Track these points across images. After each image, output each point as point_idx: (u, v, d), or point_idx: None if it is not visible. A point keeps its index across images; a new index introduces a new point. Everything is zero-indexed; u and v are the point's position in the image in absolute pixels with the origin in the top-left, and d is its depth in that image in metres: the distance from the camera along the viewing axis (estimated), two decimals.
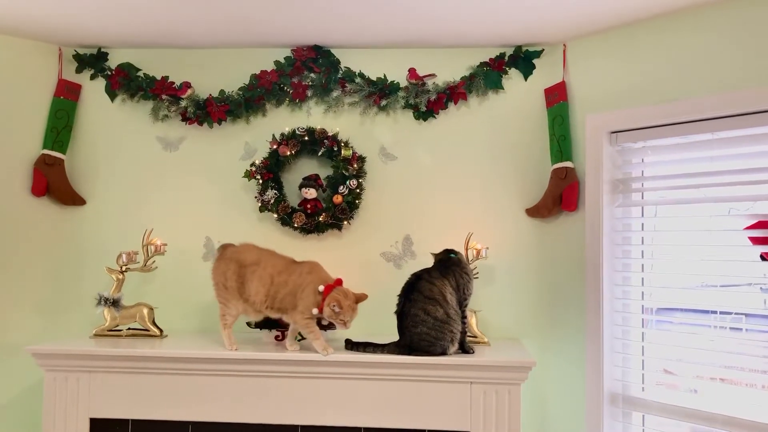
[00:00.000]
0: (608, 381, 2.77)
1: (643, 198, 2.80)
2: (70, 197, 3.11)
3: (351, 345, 2.60)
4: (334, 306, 2.46)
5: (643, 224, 2.81)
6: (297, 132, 3.03)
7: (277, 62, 3.11)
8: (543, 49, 3.03)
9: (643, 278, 2.79)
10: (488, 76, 3.04)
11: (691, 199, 2.64)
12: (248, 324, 2.83)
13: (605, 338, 2.77)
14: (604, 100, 2.82)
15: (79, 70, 3.18)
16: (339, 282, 2.56)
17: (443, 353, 2.49)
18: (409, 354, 2.49)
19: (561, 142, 2.91)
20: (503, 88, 3.06)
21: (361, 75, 3.08)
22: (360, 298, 2.53)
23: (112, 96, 3.17)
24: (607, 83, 2.81)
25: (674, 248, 2.71)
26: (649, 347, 2.74)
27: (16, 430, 2.98)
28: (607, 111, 2.80)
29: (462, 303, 2.57)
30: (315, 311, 2.49)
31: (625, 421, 2.76)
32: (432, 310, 2.48)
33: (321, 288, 2.51)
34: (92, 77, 3.18)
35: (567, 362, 2.91)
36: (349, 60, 3.11)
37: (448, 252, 2.66)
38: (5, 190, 3.01)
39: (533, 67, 3.05)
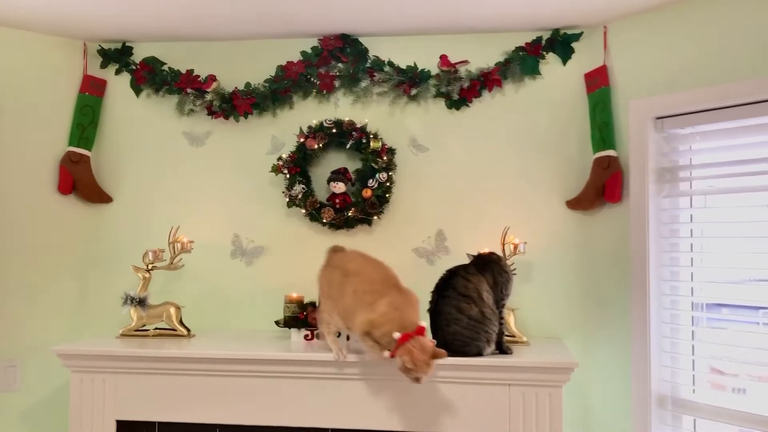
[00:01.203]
0: (656, 382, 2.61)
1: (691, 187, 2.63)
2: (96, 195, 3.07)
3: None
4: (406, 360, 2.17)
5: (691, 215, 2.64)
6: (324, 124, 2.93)
7: (303, 53, 3.01)
8: (582, 32, 2.87)
9: (692, 273, 2.62)
10: (524, 61, 2.90)
11: (743, 188, 2.46)
12: (276, 323, 2.75)
13: (652, 337, 2.61)
14: (648, 84, 2.65)
15: (104, 66, 3.13)
16: (420, 331, 2.21)
17: (479, 354, 2.36)
18: None
19: (603, 129, 2.75)
20: (540, 74, 2.92)
21: (391, 63, 2.97)
22: (438, 354, 2.17)
23: (138, 91, 3.12)
24: (652, 66, 2.64)
25: (725, 241, 2.54)
26: (700, 346, 2.57)
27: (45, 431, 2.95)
28: (651, 95, 2.63)
29: (499, 302, 2.44)
30: (386, 354, 2.22)
31: (675, 424, 2.60)
32: (466, 308, 2.36)
33: (396, 335, 2.18)
34: (117, 72, 3.13)
35: (611, 363, 2.76)
36: (377, 48, 3.00)
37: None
38: (32, 188, 2.97)
39: (572, 51, 2.89)
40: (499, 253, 2.69)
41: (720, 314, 2.55)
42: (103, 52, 3.12)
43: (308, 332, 2.68)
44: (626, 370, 2.68)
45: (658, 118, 2.64)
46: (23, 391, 2.92)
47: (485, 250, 2.71)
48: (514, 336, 2.66)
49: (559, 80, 2.91)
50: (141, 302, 2.76)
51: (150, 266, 2.81)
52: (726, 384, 2.53)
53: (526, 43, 2.91)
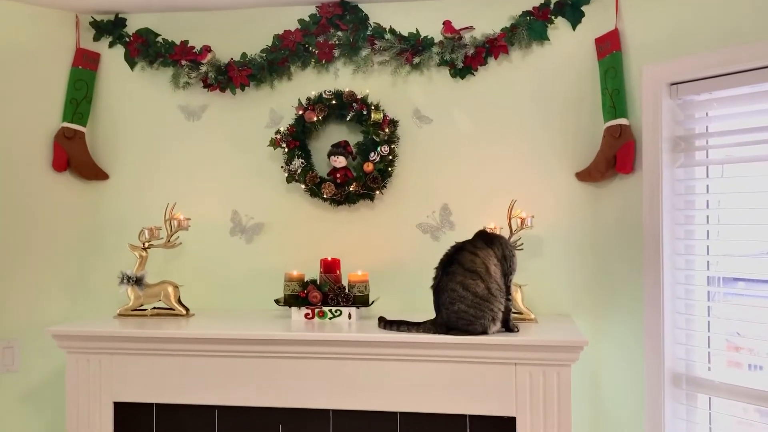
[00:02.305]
0: (670, 360, 2.51)
1: (707, 157, 2.51)
2: (92, 171, 3.00)
3: (384, 323, 2.42)
4: None
5: (707, 186, 2.51)
6: (324, 96, 2.83)
7: (301, 21, 2.90)
8: None
9: (708, 246, 2.51)
10: (532, 26, 2.77)
11: (762, 157, 2.33)
12: (276, 301, 2.67)
13: (666, 313, 2.51)
14: (662, 48, 2.51)
15: (97, 38, 3.04)
16: None
17: (484, 333, 2.28)
18: (447, 333, 2.29)
19: (614, 96, 2.63)
20: (549, 40, 2.79)
21: (392, 31, 2.85)
22: None
23: (132, 64, 3.03)
24: (666, 29, 2.51)
25: (743, 212, 2.42)
26: (716, 322, 2.47)
27: (46, 413, 2.91)
28: (665, 60, 2.50)
29: (507, 276, 2.35)
30: None
31: (689, 403, 2.50)
32: (471, 285, 2.26)
33: None
34: (111, 45, 3.04)
35: (623, 340, 2.66)
36: (378, 15, 2.88)
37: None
38: (26, 165, 2.90)
39: (582, 14, 2.76)
40: (506, 226, 2.59)
41: (736, 288, 2.44)
42: (95, 24, 3.02)
43: (308, 311, 2.61)
44: (639, 347, 2.59)
45: (673, 84, 2.51)
46: (22, 371, 2.88)
47: (491, 225, 2.62)
48: (521, 313, 2.57)
49: (569, 46, 2.78)
50: (138, 281, 2.70)
51: (146, 244, 2.74)
52: (743, 361, 2.43)
53: (534, 7, 2.78)
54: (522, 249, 2.65)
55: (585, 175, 2.74)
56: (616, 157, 2.62)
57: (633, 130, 2.61)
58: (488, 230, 2.52)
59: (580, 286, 2.77)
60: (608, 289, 2.72)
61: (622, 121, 2.61)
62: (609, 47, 2.66)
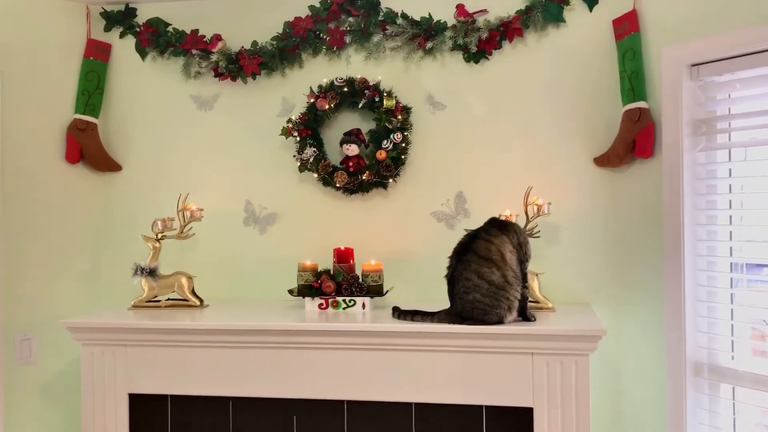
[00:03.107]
0: (691, 349, 2.45)
1: (730, 140, 2.43)
2: (105, 163, 3.00)
3: (399, 313, 2.38)
4: None
5: (730, 170, 2.44)
6: (335, 83, 2.79)
7: (311, 7, 2.86)
8: None
9: (731, 232, 2.43)
10: (547, 8, 2.70)
11: None
12: (290, 291, 2.65)
13: (687, 301, 2.44)
14: (682, 28, 2.43)
15: (107, 29, 3.02)
16: None
17: (499, 322, 2.23)
18: (461, 323, 2.25)
19: (633, 79, 2.56)
20: (565, 21, 2.72)
21: (404, 15, 2.80)
22: None
23: (143, 54, 3.01)
24: (686, 8, 2.42)
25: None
26: (739, 310, 2.40)
27: (62, 405, 2.93)
28: (686, 41, 2.42)
29: (523, 264, 2.30)
30: None
31: (712, 393, 2.44)
32: (487, 273, 2.22)
33: None
34: (122, 35, 3.02)
35: (643, 329, 2.60)
36: (390, 0, 2.82)
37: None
38: (39, 158, 2.90)
39: None
40: (522, 213, 2.54)
41: (761, 275, 2.37)
42: (106, 15, 3.01)
43: (322, 301, 2.58)
44: (659, 336, 2.53)
45: (694, 65, 2.43)
46: (39, 364, 2.89)
47: (507, 213, 2.57)
48: (538, 302, 2.53)
49: (586, 28, 2.71)
50: (152, 273, 2.69)
51: (159, 235, 2.73)
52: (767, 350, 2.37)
53: None
54: (539, 236, 2.59)
55: (603, 160, 2.67)
56: (635, 141, 2.55)
57: (652, 113, 2.54)
58: (503, 218, 2.46)
59: (599, 274, 2.71)
60: (628, 277, 2.66)
61: (641, 104, 2.54)
62: (627, 28, 2.59)
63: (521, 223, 2.55)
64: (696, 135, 2.46)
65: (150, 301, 2.72)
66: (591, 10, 2.69)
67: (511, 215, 2.58)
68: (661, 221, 2.52)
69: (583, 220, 2.72)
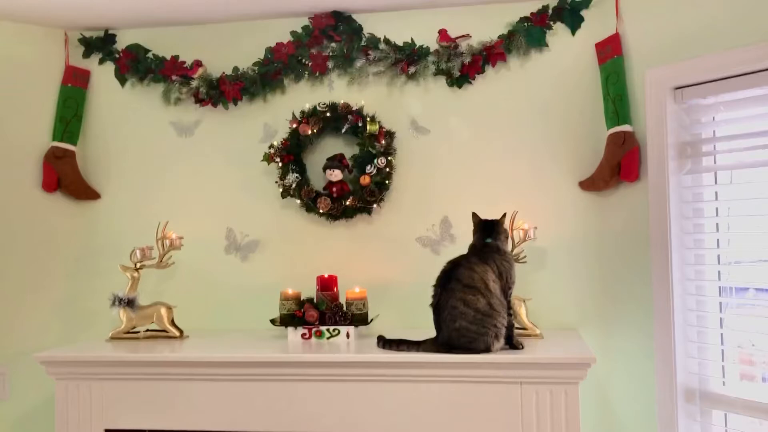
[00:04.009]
0: (682, 375, 2.41)
1: (715, 162, 2.42)
2: (83, 191, 2.93)
3: (384, 343, 2.32)
4: None
5: (716, 193, 2.42)
6: (318, 108, 2.76)
7: (293, 33, 2.84)
8: None
9: (718, 255, 2.41)
10: (530, 32, 2.69)
11: None
12: (272, 321, 2.59)
13: (677, 326, 2.41)
14: (665, 51, 2.43)
15: (86, 55, 2.98)
16: None
17: (487, 350, 2.18)
18: (448, 352, 2.19)
19: (617, 102, 2.55)
20: (547, 46, 2.71)
21: (387, 41, 2.78)
22: None
23: (122, 80, 2.97)
24: (669, 31, 2.42)
25: (755, 219, 2.32)
26: (729, 334, 2.37)
27: None
28: (669, 63, 2.42)
29: (506, 291, 2.25)
30: None
31: (704, 420, 2.40)
32: (472, 301, 2.17)
33: None
34: (101, 62, 2.98)
35: (633, 355, 2.56)
36: (372, 25, 2.81)
37: (485, 223, 2.37)
38: (15, 186, 2.83)
39: (581, 19, 2.69)
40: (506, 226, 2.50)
41: (748, 299, 2.34)
42: (85, 41, 2.97)
43: (305, 330, 2.52)
44: (649, 362, 2.49)
45: (678, 87, 2.42)
46: (13, 400, 2.80)
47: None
48: (526, 329, 2.48)
49: (568, 52, 2.70)
50: (130, 303, 2.62)
51: (138, 265, 2.66)
52: (758, 374, 2.33)
53: (531, 13, 2.71)
54: (525, 262, 2.56)
55: (588, 184, 2.65)
56: (620, 164, 2.53)
57: (637, 136, 2.52)
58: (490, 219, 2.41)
59: (587, 299, 2.68)
60: (616, 302, 2.63)
61: (626, 127, 2.53)
62: (610, 52, 2.58)
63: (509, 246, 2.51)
64: (681, 158, 2.44)
65: (128, 333, 2.64)
66: (574, 34, 2.69)
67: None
68: (648, 245, 2.49)
69: (570, 244, 2.68)
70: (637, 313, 2.55)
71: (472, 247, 2.36)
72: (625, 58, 2.56)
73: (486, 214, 2.66)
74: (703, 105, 2.41)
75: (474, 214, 2.41)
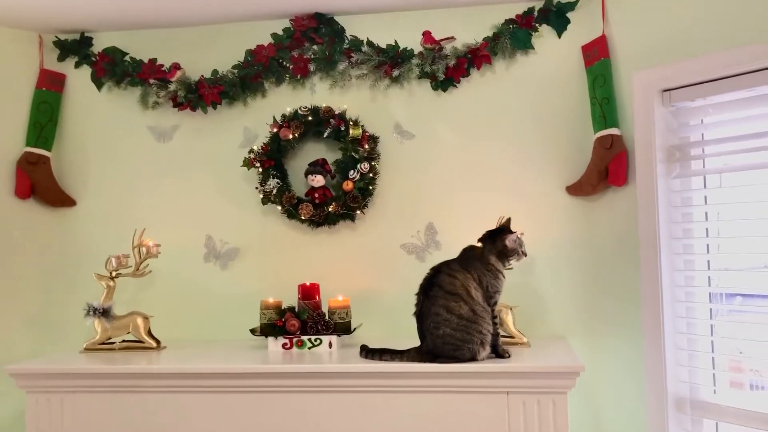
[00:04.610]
0: (672, 383, 2.35)
1: (704, 166, 2.38)
2: (58, 198, 2.85)
3: (366, 352, 2.25)
4: None
5: (705, 197, 2.38)
6: (299, 112, 2.70)
7: (274, 35, 2.78)
8: (577, 0, 2.62)
9: (708, 261, 2.36)
10: (515, 35, 2.64)
11: (763, 164, 2.19)
12: (252, 331, 2.51)
13: (667, 333, 2.36)
14: (653, 53, 2.39)
15: (61, 59, 2.90)
16: None
17: (472, 358, 2.12)
18: (433, 361, 2.13)
19: (604, 106, 2.50)
20: (533, 48, 2.66)
21: (370, 43, 2.72)
22: None
23: (99, 84, 2.89)
24: (656, 33, 2.38)
25: (745, 223, 2.28)
26: (720, 342, 2.32)
27: None
28: (657, 65, 2.37)
29: (489, 300, 2.18)
30: None
31: (695, 429, 2.34)
32: (455, 307, 2.11)
33: None
34: (77, 65, 2.91)
35: (622, 363, 2.50)
36: (354, 27, 2.76)
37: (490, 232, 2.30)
38: None
39: (567, 21, 2.64)
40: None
41: (737, 305, 2.30)
42: (60, 44, 2.89)
43: (286, 340, 2.45)
44: (638, 370, 2.43)
45: (665, 90, 2.38)
46: None
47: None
48: (513, 337, 2.41)
49: (555, 54, 2.66)
50: (105, 313, 2.54)
51: (114, 273, 2.58)
52: (747, 382, 2.29)
53: (517, 15, 2.66)
54: (512, 268, 2.49)
55: (576, 189, 2.60)
56: (608, 169, 2.49)
57: (625, 140, 2.48)
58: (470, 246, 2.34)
59: (575, 306, 2.62)
60: (604, 310, 2.57)
61: (613, 131, 2.48)
62: (597, 54, 2.54)
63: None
64: (669, 162, 2.40)
65: (103, 344, 2.55)
66: (560, 36, 2.65)
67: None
68: (637, 251, 2.44)
69: (557, 250, 2.63)
70: (626, 320, 2.49)
71: (461, 252, 2.30)
72: (612, 60, 2.51)
73: (472, 220, 2.63)
74: (691, 107, 2.37)
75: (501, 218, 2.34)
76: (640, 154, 2.43)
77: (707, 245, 2.37)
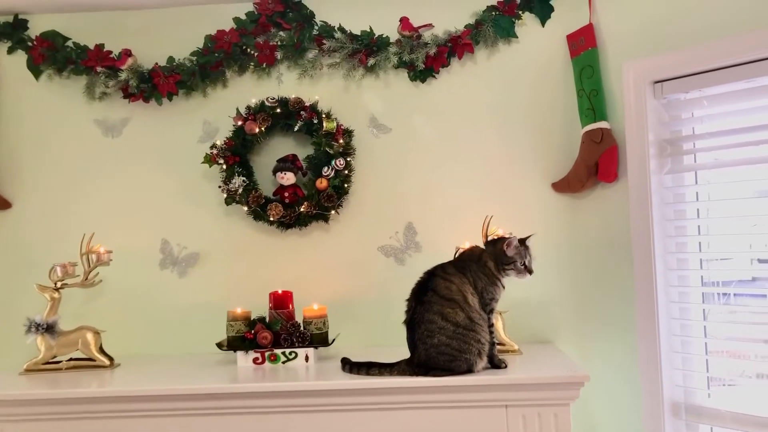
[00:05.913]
0: (668, 388, 2.26)
1: (696, 161, 2.28)
2: None
3: (350, 366, 2.07)
4: None
5: (697, 193, 2.29)
6: (266, 103, 2.50)
7: (237, 19, 2.57)
8: None
9: (701, 259, 2.28)
10: (498, 22, 2.51)
11: (758, 159, 2.12)
12: (218, 345, 2.28)
13: (661, 335, 2.26)
14: (643, 42, 2.29)
15: None
16: None
17: (469, 370, 1.96)
18: (426, 374, 1.96)
19: (592, 98, 2.39)
20: (516, 37, 2.53)
21: (342, 29, 2.54)
22: None
23: (37, 73, 2.62)
24: (647, 21, 2.28)
25: (739, 221, 2.21)
26: (714, 343, 2.23)
27: None
28: (648, 56, 2.27)
29: (486, 307, 2.03)
30: None
31: None
32: (451, 314, 1.95)
33: None
34: (10, 51, 2.63)
35: (616, 368, 2.40)
36: (325, 12, 2.58)
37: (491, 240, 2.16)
38: None
39: (551, 9, 2.53)
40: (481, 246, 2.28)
41: (731, 305, 2.23)
42: None
43: (257, 355, 2.23)
44: (633, 376, 2.33)
45: (657, 81, 2.28)
46: None
47: (466, 245, 2.30)
48: (503, 344, 2.27)
49: (539, 43, 2.54)
50: (49, 329, 2.29)
51: (59, 284, 2.33)
52: (742, 384, 2.21)
53: (499, 2, 2.53)
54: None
55: (563, 186, 2.48)
56: (597, 164, 2.37)
57: (615, 134, 2.37)
58: (467, 248, 2.19)
59: (563, 309, 2.51)
60: (596, 312, 2.46)
61: (603, 124, 2.37)
62: (583, 44, 2.42)
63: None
64: (662, 156, 2.30)
65: (48, 363, 2.30)
66: (544, 24, 2.52)
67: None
68: (628, 250, 2.34)
69: (544, 251, 2.49)
70: (618, 323, 2.39)
71: (459, 254, 2.15)
72: (600, 50, 2.41)
73: (454, 219, 2.48)
74: (684, 100, 2.28)
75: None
76: (631, 149, 2.32)
77: (699, 243, 2.28)
